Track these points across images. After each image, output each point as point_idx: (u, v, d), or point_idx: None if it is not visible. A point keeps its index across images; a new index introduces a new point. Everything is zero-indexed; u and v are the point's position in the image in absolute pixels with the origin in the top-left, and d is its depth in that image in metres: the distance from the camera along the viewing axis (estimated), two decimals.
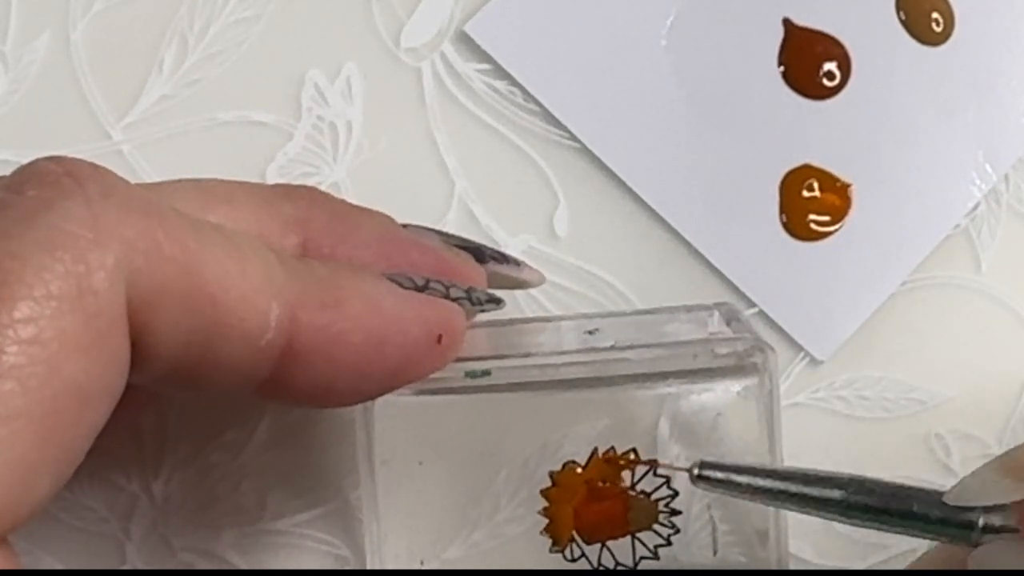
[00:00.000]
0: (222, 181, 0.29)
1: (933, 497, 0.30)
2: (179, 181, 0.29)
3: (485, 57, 0.37)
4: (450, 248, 0.32)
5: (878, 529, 0.31)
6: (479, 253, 0.32)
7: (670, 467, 0.32)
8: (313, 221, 0.29)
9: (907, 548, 0.37)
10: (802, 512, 0.31)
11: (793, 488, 0.30)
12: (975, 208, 0.38)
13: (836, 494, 0.30)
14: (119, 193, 0.24)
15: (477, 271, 0.32)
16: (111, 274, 0.23)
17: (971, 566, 0.30)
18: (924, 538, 0.31)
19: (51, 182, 0.23)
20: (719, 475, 0.31)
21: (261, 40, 0.36)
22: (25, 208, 0.23)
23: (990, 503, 0.30)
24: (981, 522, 0.30)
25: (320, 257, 0.29)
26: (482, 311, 0.31)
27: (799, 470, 0.31)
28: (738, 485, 0.31)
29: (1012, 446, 0.37)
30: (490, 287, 0.32)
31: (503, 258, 0.33)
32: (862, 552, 0.37)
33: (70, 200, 0.23)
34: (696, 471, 0.31)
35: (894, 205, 0.38)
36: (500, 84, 0.37)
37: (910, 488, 0.31)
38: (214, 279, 0.24)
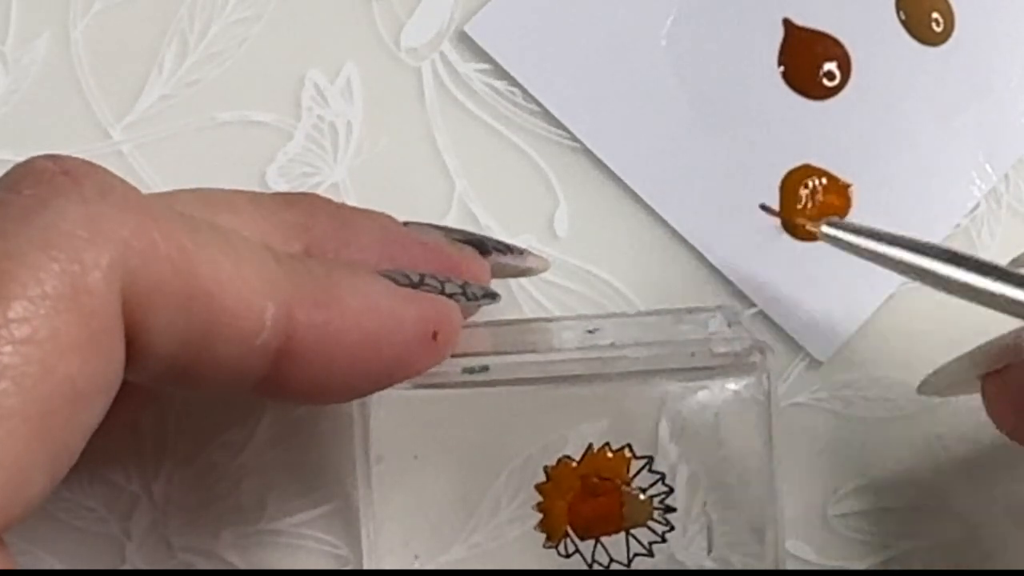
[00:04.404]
0: (223, 190, 0.29)
1: None
2: (180, 190, 0.29)
3: (485, 57, 0.37)
4: (453, 243, 0.32)
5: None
6: (482, 246, 0.32)
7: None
8: (315, 227, 0.29)
9: (907, 548, 0.37)
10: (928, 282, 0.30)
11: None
12: (975, 208, 0.38)
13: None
14: (115, 192, 0.24)
15: (480, 265, 0.32)
16: (106, 273, 0.23)
17: None
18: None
19: (47, 181, 0.23)
20: (843, 235, 0.31)
21: (261, 40, 0.37)
22: (21, 207, 0.23)
23: None
24: None
25: None
26: (478, 306, 0.31)
27: (932, 245, 0.30)
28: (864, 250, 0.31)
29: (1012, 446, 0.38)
30: (495, 277, 0.32)
31: (507, 248, 0.33)
32: (862, 552, 0.37)
33: (66, 199, 0.23)
34: (823, 227, 0.31)
35: (894, 205, 0.38)
36: (500, 84, 0.37)
37: None
38: (210, 278, 0.24)
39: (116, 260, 0.23)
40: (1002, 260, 0.38)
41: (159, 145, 0.36)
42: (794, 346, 0.37)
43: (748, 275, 0.37)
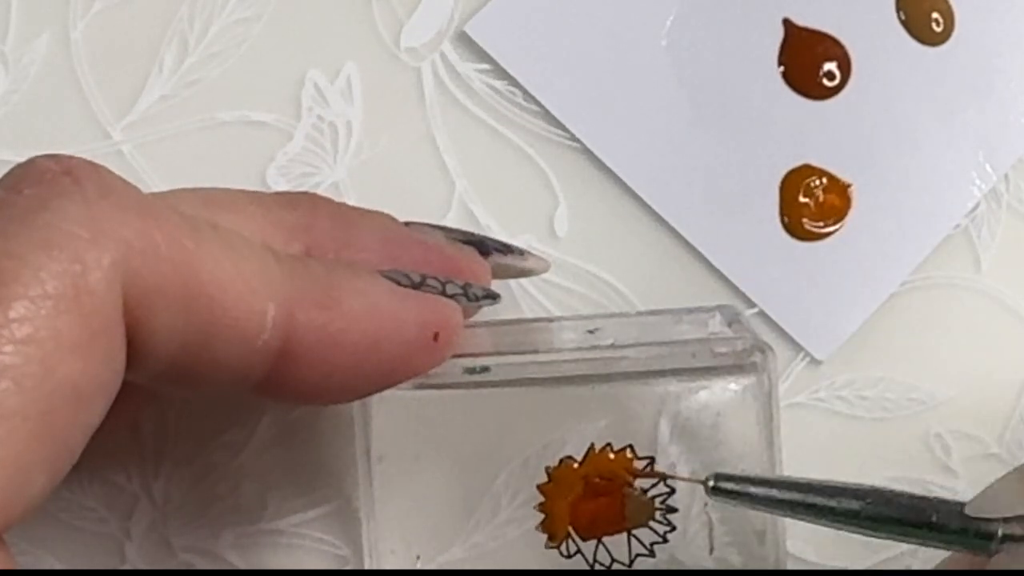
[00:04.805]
0: (224, 190, 0.29)
1: (952, 508, 0.30)
2: (181, 190, 0.29)
3: (485, 57, 0.37)
4: (453, 244, 0.32)
5: (896, 540, 0.30)
6: (482, 246, 0.32)
7: (685, 479, 0.32)
8: (316, 227, 0.29)
9: (907, 548, 0.37)
10: (819, 524, 0.30)
11: (811, 500, 0.30)
12: (975, 208, 0.38)
13: (855, 505, 0.30)
14: (117, 192, 0.24)
15: (481, 265, 0.32)
16: (107, 274, 0.23)
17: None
18: (942, 548, 0.31)
19: (49, 180, 0.23)
20: (734, 487, 0.30)
21: (261, 40, 0.37)
22: (22, 207, 0.23)
23: (1012, 514, 0.30)
24: (1000, 532, 0.30)
25: None
26: (479, 307, 0.31)
27: (816, 481, 0.30)
28: (754, 497, 0.30)
29: (1012, 446, 0.37)
30: (496, 277, 0.32)
31: (507, 249, 0.33)
32: (862, 552, 0.37)
33: (67, 199, 0.23)
34: (711, 483, 0.30)
35: (894, 205, 0.38)
36: (500, 84, 0.37)
37: (929, 499, 0.30)
38: (211, 279, 0.24)
39: (117, 260, 0.23)
40: (1002, 261, 0.38)
41: (159, 145, 0.36)
42: (794, 346, 0.37)
43: (748, 275, 0.37)
